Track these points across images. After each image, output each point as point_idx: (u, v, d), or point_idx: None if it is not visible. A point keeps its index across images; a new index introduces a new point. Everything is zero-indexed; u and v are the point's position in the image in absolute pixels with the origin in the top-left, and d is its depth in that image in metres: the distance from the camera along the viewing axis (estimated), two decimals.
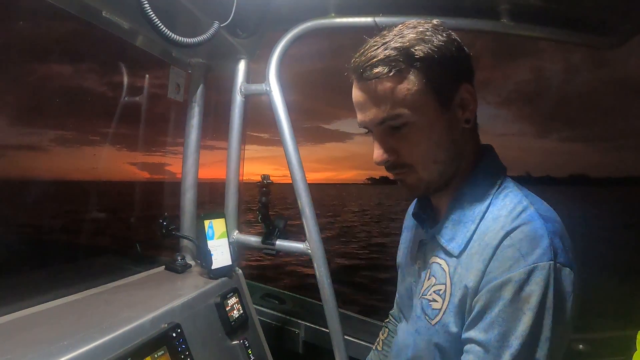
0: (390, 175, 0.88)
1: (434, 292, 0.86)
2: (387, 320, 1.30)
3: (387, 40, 0.79)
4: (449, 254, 0.84)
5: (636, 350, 1.09)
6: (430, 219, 0.98)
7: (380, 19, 1.54)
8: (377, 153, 0.84)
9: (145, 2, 1.02)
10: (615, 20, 1.38)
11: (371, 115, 0.82)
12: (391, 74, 0.77)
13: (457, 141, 0.85)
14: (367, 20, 1.57)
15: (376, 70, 0.78)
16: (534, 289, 0.69)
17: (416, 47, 0.77)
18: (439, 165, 0.84)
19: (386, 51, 0.78)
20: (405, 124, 0.80)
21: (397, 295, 1.22)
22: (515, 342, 0.69)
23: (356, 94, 0.84)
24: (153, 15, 1.04)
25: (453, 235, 0.84)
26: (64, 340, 0.97)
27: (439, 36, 0.79)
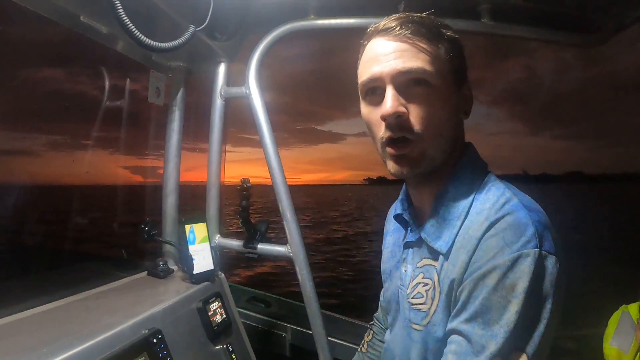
0: (397, 151, 0.83)
1: (425, 292, 0.84)
2: (372, 322, 1.29)
3: (418, 15, 0.83)
4: (436, 253, 0.83)
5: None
6: (413, 220, 0.96)
7: (359, 20, 1.56)
8: (392, 104, 0.79)
9: (119, 6, 1.01)
10: (597, 18, 1.40)
11: (395, 65, 0.79)
12: (428, 35, 0.80)
13: (457, 126, 0.87)
14: (347, 21, 1.58)
15: (415, 27, 0.80)
16: (519, 276, 0.68)
17: (444, 29, 0.83)
18: (443, 143, 0.83)
19: (423, 19, 0.82)
20: (426, 82, 0.79)
21: (381, 299, 1.21)
22: (500, 331, 0.68)
23: (380, 46, 0.83)
24: (127, 20, 1.03)
25: (439, 234, 0.83)
26: (43, 347, 0.97)
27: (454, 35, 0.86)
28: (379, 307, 1.26)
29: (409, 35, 0.80)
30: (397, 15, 0.84)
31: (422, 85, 0.79)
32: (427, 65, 0.79)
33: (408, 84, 0.80)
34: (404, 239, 0.99)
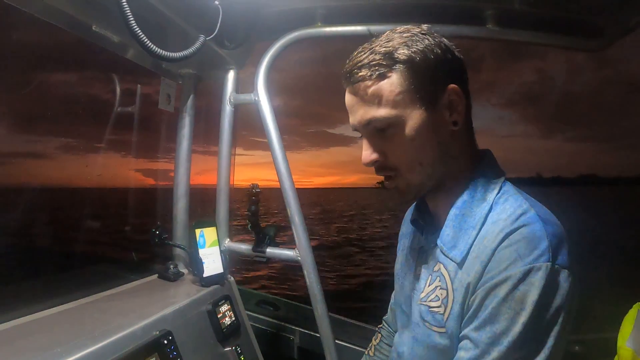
0: (386, 184, 0.89)
1: (438, 298, 0.85)
2: (380, 325, 1.29)
3: (374, 45, 0.82)
4: (451, 261, 0.84)
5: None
6: (429, 225, 0.97)
7: (365, 27, 1.57)
8: (365, 154, 0.86)
9: (130, 17, 1.04)
10: (601, 22, 1.40)
11: (358, 117, 0.84)
12: (374, 76, 0.80)
13: (445, 143, 0.84)
14: (353, 28, 1.60)
15: (360, 74, 0.81)
16: (529, 289, 0.69)
17: (399, 51, 0.80)
18: (426, 168, 0.84)
19: (371, 55, 0.81)
20: (390, 125, 0.81)
21: (392, 302, 1.22)
22: (505, 340, 0.69)
23: (346, 98, 0.87)
24: (138, 30, 1.06)
25: (455, 242, 0.83)
26: (56, 347, 0.99)
27: (426, 40, 0.81)
28: (389, 310, 1.27)
29: (358, 83, 0.82)
30: (354, 54, 0.85)
31: (384, 130, 0.82)
32: (386, 106, 0.80)
33: (373, 132, 0.84)
34: (419, 243, 0.99)
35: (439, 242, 0.87)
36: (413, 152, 0.83)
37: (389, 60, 0.80)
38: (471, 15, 1.47)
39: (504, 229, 0.75)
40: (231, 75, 1.80)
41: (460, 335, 0.78)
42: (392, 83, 0.80)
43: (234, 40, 1.57)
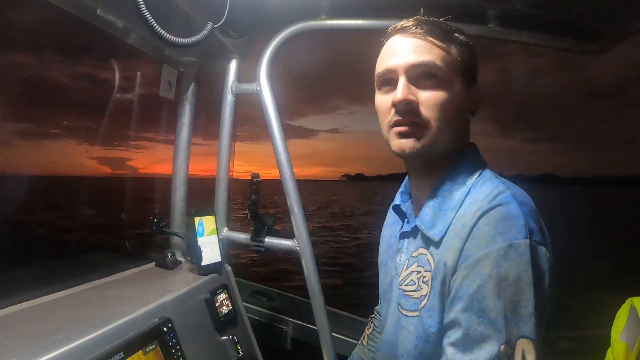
0: (402, 129, 0.87)
1: (417, 280, 0.88)
2: (373, 315, 1.31)
3: (434, 19, 0.90)
4: (430, 241, 0.87)
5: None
6: (411, 211, 1.01)
7: (369, 22, 1.58)
8: (403, 92, 0.85)
9: (141, 1, 1.04)
10: (602, 25, 1.42)
11: (408, 58, 0.86)
12: (441, 36, 0.87)
13: (462, 122, 0.92)
14: (357, 22, 1.59)
15: (430, 28, 0.87)
16: (511, 265, 0.71)
17: (457, 34, 0.90)
18: (449, 132, 0.88)
19: (438, 22, 0.90)
20: (436, 76, 0.86)
21: (380, 291, 1.25)
22: (497, 318, 0.71)
23: (397, 42, 0.90)
24: (148, 15, 1.05)
25: (434, 222, 0.87)
26: (57, 334, 0.98)
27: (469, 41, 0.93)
28: (379, 300, 1.28)
29: (424, 33, 0.86)
30: (415, 17, 0.90)
31: (432, 78, 0.86)
32: (438, 60, 0.85)
33: (419, 76, 0.86)
34: (400, 230, 1.02)
35: (417, 221, 0.91)
36: (445, 111, 0.86)
37: (451, 34, 0.89)
38: (473, 14, 1.47)
39: (481, 208, 0.78)
40: (233, 64, 1.79)
41: (446, 320, 0.79)
42: (450, 52, 0.88)
43: (238, 30, 1.57)
